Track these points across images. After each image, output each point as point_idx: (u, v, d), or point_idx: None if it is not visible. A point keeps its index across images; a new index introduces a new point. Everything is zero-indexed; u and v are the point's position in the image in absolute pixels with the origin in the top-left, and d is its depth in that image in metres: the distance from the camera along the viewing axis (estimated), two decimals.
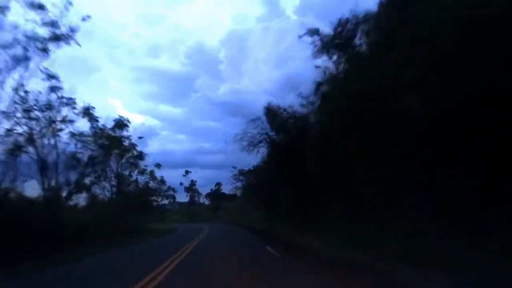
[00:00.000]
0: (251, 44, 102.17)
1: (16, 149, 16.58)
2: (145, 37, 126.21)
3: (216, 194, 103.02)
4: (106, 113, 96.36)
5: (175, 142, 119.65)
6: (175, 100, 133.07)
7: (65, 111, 20.36)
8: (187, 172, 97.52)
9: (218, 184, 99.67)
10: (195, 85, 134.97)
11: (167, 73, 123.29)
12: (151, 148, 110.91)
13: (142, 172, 37.51)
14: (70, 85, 21.76)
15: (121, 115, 34.58)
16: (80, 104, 21.79)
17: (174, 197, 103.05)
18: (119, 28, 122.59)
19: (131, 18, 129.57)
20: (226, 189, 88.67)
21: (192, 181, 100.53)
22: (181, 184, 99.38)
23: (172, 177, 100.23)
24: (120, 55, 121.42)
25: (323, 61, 17.20)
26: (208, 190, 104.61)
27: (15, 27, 16.12)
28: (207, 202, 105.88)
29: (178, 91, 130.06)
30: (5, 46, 15.48)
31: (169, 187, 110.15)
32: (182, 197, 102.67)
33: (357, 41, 15.79)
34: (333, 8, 78.75)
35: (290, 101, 25.19)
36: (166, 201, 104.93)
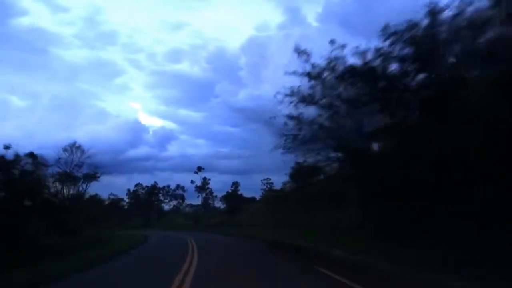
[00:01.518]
0: (271, 51, 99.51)
1: None
2: (167, 42, 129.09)
3: (232, 196, 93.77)
4: (127, 117, 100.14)
5: (194, 146, 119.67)
6: (194, 105, 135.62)
7: None
8: (199, 169, 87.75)
9: (235, 184, 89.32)
10: (215, 90, 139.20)
11: (188, 78, 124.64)
12: (170, 152, 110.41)
13: None
14: None
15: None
16: None
17: (182, 198, 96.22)
18: (141, 33, 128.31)
19: (154, 23, 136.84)
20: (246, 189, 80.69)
21: (204, 179, 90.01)
22: (192, 182, 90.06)
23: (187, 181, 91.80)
24: (142, 59, 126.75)
25: None
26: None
27: None
28: (222, 206, 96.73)
29: (198, 96, 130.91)
30: None
31: (178, 185, 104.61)
32: (195, 199, 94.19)
33: None
34: (357, 15, 72.13)
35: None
36: (174, 202, 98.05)
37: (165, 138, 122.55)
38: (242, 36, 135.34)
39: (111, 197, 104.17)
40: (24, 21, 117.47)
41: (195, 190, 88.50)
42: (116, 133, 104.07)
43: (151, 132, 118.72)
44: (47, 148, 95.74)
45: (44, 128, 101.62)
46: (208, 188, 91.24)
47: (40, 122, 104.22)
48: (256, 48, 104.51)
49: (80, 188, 39.12)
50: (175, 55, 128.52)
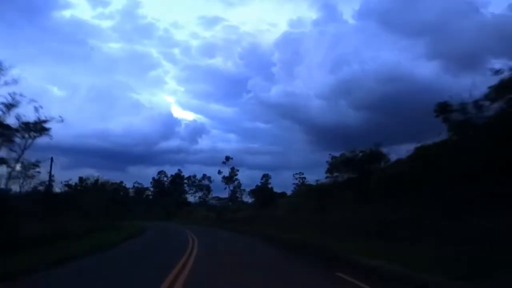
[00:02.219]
0: (305, 48, 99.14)
1: None
2: (202, 37, 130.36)
3: (262, 190, 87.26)
4: (160, 109, 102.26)
5: (224, 141, 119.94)
6: (226, 100, 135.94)
7: None
8: (227, 158, 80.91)
9: (266, 177, 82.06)
10: (248, 85, 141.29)
11: (221, 73, 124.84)
12: (201, 145, 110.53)
13: None
14: None
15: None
16: None
17: (208, 189, 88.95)
18: (177, 28, 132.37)
19: (191, 18, 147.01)
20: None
21: (232, 169, 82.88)
22: (219, 172, 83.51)
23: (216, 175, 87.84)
24: (177, 53, 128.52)
25: None
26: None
27: None
28: (250, 200, 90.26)
29: (230, 91, 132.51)
30: None
31: (204, 175, 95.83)
32: (222, 192, 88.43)
33: None
34: (397, 12, 73.61)
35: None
36: (200, 194, 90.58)
37: (196, 131, 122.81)
38: (276, 32, 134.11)
39: (136, 185, 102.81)
40: (66, 14, 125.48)
41: (222, 181, 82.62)
42: (149, 125, 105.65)
43: (183, 126, 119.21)
44: (84, 137, 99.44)
45: (81, 118, 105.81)
46: (236, 179, 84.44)
47: (77, 112, 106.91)
48: (289, 44, 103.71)
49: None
50: (209, 50, 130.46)
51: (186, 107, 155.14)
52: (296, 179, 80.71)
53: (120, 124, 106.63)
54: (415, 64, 72.87)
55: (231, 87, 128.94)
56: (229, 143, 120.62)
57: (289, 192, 69.85)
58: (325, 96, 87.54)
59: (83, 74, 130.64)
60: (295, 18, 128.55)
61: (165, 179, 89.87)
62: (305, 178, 76.74)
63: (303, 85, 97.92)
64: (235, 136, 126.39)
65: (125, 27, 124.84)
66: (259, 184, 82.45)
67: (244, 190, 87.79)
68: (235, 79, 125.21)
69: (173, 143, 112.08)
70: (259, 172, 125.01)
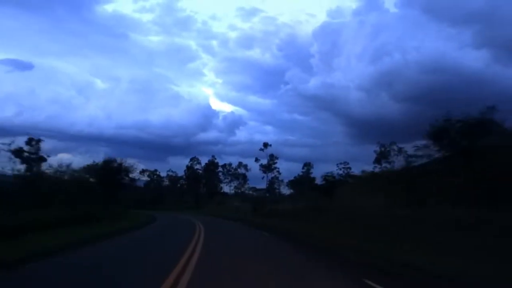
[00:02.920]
0: (345, 38, 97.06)
1: None
2: (240, 29, 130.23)
3: (302, 181, 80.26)
4: (199, 101, 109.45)
5: (262, 133, 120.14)
6: (264, 92, 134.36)
7: None
8: (266, 145, 74.57)
9: (307, 166, 74.63)
10: (285, 77, 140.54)
11: (259, 64, 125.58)
12: (239, 137, 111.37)
13: None
14: None
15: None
16: None
17: (244, 178, 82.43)
18: (215, 20, 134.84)
19: (229, 10, 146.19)
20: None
21: (272, 156, 76.13)
22: (256, 160, 76.97)
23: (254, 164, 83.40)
24: (215, 46, 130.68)
25: None
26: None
27: None
28: (288, 192, 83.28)
29: (268, 82, 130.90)
30: None
31: (240, 163, 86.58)
32: (259, 182, 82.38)
33: None
34: (441, 0, 69.30)
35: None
36: (235, 183, 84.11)
37: (234, 123, 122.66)
38: (315, 23, 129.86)
39: (170, 173, 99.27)
40: (108, 8, 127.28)
41: (260, 170, 76.33)
42: (187, 117, 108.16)
43: (220, 117, 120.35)
44: (124, 128, 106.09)
45: (122, 109, 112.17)
46: (275, 168, 77.74)
47: (119, 103, 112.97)
48: (328, 35, 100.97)
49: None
50: (247, 42, 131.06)
51: (224, 98, 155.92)
52: (341, 169, 73.70)
53: (159, 115, 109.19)
54: (462, 54, 69.32)
55: (268, 79, 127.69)
56: (267, 135, 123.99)
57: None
58: (365, 88, 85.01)
59: (125, 67, 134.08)
60: (334, 7, 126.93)
61: (198, 166, 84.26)
62: (350, 168, 69.70)
63: (342, 76, 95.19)
64: (272, 128, 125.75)
65: (165, 20, 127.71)
66: (300, 174, 75.41)
67: (282, 181, 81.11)
68: (273, 71, 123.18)
69: (211, 134, 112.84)
70: (296, 164, 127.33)
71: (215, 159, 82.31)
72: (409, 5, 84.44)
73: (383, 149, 58.73)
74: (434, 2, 73.83)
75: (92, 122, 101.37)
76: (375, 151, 53.53)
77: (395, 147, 50.09)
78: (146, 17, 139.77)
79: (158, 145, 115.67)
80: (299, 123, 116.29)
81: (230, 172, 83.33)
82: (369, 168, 44.82)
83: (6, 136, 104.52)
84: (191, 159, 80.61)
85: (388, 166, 43.08)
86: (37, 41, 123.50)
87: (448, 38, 75.16)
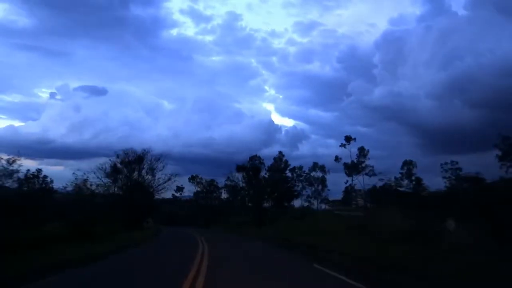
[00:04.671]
0: (410, 46, 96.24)
1: None
2: (299, 43, 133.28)
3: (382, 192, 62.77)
4: (261, 117, 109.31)
5: (324, 146, 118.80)
6: (325, 105, 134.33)
7: None
8: (348, 139, 57.68)
9: (409, 164, 56.01)
10: (348, 89, 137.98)
11: (319, 78, 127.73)
12: (302, 151, 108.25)
13: None
14: None
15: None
16: None
17: (323, 182, 64.57)
18: (275, 36, 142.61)
19: (288, 26, 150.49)
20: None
21: (361, 150, 57.90)
22: (336, 159, 59.91)
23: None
24: (275, 62, 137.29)
25: None
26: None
27: None
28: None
29: (329, 95, 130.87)
30: None
31: (315, 164, 61.50)
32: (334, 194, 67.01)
33: None
34: None
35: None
36: (308, 192, 66.14)
37: (296, 137, 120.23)
38: (376, 32, 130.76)
39: (228, 183, 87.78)
40: (173, 32, 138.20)
41: (344, 171, 59.46)
42: (250, 133, 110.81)
43: (283, 132, 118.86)
44: (191, 146, 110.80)
45: (188, 128, 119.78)
46: (366, 165, 59.11)
47: (185, 123, 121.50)
48: (392, 43, 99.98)
49: None
50: (307, 56, 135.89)
51: (285, 113, 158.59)
52: (446, 171, 55.26)
53: (223, 132, 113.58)
54: None
55: (329, 92, 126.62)
56: (329, 148, 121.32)
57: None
58: (436, 95, 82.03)
59: (189, 87, 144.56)
60: (396, 15, 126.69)
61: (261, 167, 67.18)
62: (460, 169, 52.08)
63: (409, 85, 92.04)
64: (335, 141, 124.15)
65: (226, 40, 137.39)
66: (400, 174, 58.19)
67: (360, 191, 63.55)
68: (334, 83, 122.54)
69: (274, 149, 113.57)
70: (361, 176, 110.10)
71: (283, 155, 63.07)
72: (481, 6, 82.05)
73: None
74: (509, 0, 70.78)
75: (160, 141, 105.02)
76: None
77: None
78: (208, 38, 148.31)
79: (222, 162, 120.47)
80: (362, 135, 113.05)
81: (301, 178, 65.63)
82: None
83: (85, 158, 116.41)
84: (251, 158, 60.51)
85: None
86: (109, 68, 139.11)
87: None
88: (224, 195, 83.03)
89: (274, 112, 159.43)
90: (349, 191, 67.03)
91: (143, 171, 44.29)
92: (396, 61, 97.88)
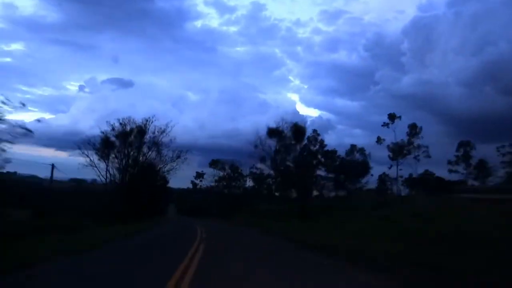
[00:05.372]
0: (440, 32, 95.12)
1: None
2: (325, 32, 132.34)
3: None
4: (286, 107, 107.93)
5: (350, 136, 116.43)
6: (352, 94, 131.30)
7: None
8: (392, 117, 46.91)
9: (465, 146, 45.82)
10: (375, 78, 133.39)
11: (345, 67, 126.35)
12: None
13: None
14: None
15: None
16: None
17: (365, 167, 52.06)
18: (299, 26, 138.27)
19: (312, 15, 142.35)
20: None
21: (413, 127, 47.55)
22: (378, 141, 49.95)
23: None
24: (300, 51, 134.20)
25: None
26: None
27: None
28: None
29: (355, 84, 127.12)
30: None
31: (353, 147, 47.51)
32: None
33: None
34: None
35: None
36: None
37: (322, 128, 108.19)
38: (404, 19, 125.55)
39: (253, 170, 78.26)
40: (197, 24, 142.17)
41: (388, 156, 48.94)
42: (275, 124, 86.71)
43: (308, 122, 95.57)
44: (216, 137, 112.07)
45: (213, 119, 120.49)
46: (418, 145, 48.56)
47: (210, 114, 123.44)
48: (421, 30, 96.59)
49: None
50: (332, 45, 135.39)
51: (310, 104, 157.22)
52: (504, 154, 44.29)
53: (248, 123, 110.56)
54: None
55: (356, 81, 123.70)
56: (356, 138, 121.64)
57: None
58: (467, 82, 79.44)
59: (214, 79, 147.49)
60: (425, 2, 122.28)
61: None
62: None
63: (439, 72, 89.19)
64: (362, 131, 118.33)
65: (250, 31, 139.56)
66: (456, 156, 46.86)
67: (400, 178, 52.49)
68: (360, 72, 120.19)
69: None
70: (382, 168, 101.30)
71: (318, 134, 49.37)
72: None
73: None
74: None
75: (186, 132, 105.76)
76: None
77: None
78: (232, 29, 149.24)
79: (247, 153, 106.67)
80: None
81: (337, 163, 52.72)
82: None
83: (113, 149, 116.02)
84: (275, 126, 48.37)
85: None
86: (136, 60, 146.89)
87: None
88: (249, 183, 74.06)
89: (299, 103, 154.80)
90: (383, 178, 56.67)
91: (145, 147, 35.40)
92: (425, 48, 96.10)
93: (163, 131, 36.51)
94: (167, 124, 37.17)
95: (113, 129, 34.42)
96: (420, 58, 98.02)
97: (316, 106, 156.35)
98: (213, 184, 75.54)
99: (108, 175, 33.63)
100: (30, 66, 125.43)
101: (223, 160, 71.86)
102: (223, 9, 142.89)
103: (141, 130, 34.66)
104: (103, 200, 34.26)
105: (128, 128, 34.33)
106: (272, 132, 39.75)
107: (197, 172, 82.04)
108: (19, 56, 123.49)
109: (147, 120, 35.21)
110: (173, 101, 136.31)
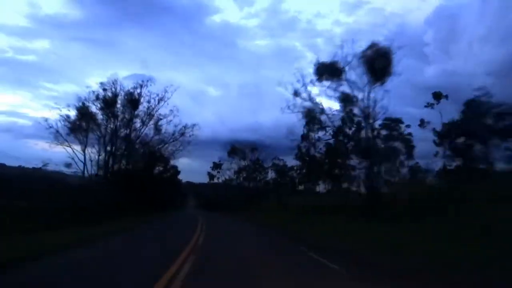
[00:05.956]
0: (465, 21, 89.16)
1: None
2: (345, 24, 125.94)
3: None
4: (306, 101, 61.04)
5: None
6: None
7: None
8: (438, 96, 37.03)
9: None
10: (397, 69, 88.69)
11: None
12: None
13: None
14: None
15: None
16: None
17: (410, 147, 39.70)
18: (320, 17, 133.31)
19: (333, 6, 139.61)
20: None
21: (470, 103, 37.47)
22: (421, 124, 40.45)
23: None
24: (320, 43, 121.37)
25: None
26: None
27: None
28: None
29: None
30: None
31: (396, 120, 30.22)
32: None
33: None
34: None
35: None
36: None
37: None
38: (427, 9, 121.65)
39: (275, 161, 71.33)
40: (216, 18, 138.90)
41: (435, 140, 40.30)
42: (297, 117, 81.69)
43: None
44: (237, 131, 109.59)
45: (234, 113, 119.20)
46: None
47: (231, 108, 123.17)
48: (445, 20, 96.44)
49: None
50: (354, 36, 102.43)
51: (331, 97, 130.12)
52: None
53: (269, 117, 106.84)
54: None
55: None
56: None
57: None
58: (495, 73, 63.99)
59: (234, 73, 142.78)
60: None
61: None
62: None
63: (465, 63, 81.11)
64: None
65: (270, 24, 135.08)
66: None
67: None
68: None
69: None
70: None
71: (353, 116, 38.32)
72: None
73: None
74: None
75: (207, 127, 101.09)
76: None
77: None
78: (252, 22, 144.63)
79: (269, 146, 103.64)
80: (412, 116, 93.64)
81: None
82: None
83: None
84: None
85: None
86: (157, 56, 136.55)
87: None
88: (271, 175, 67.12)
89: (319, 95, 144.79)
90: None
91: (137, 121, 27.55)
92: (450, 38, 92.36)
93: (161, 99, 29.05)
94: (166, 89, 29.33)
95: (97, 98, 27.03)
96: (444, 49, 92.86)
97: (336, 99, 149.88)
98: (232, 176, 69.20)
99: (89, 164, 26.43)
100: (53, 64, 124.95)
101: (245, 142, 65.12)
102: (243, 3, 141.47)
103: (133, 100, 27.23)
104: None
105: (110, 93, 26.50)
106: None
107: (214, 163, 75.98)
108: (43, 54, 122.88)
109: (140, 85, 27.57)
110: (194, 96, 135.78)
